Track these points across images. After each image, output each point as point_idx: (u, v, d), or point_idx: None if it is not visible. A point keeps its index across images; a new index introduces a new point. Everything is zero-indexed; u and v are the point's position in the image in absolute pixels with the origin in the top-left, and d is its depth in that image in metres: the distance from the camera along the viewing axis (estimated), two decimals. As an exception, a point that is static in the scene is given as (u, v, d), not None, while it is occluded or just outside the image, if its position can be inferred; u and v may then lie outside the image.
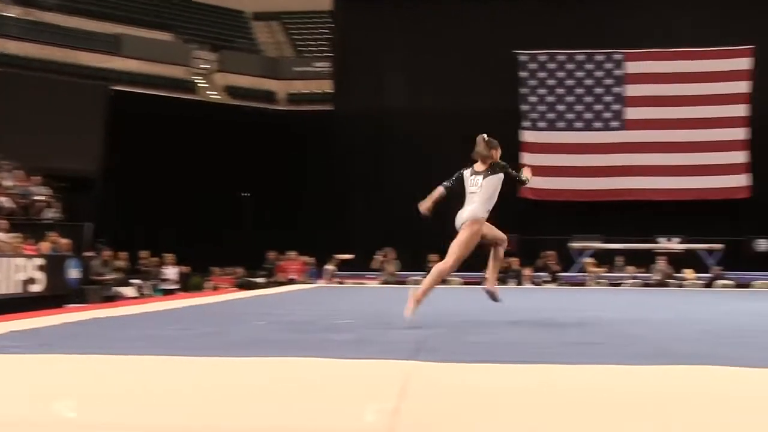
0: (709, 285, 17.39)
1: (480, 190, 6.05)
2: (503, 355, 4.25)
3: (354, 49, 24.48)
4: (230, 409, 2.71)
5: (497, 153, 6.20)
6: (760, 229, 22.08)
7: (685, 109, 22.92)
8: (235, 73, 25.44)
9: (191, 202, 22.28)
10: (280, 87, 25.92)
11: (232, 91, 25.14)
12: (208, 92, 25.00)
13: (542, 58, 23.92)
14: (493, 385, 3.24)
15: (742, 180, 22.65)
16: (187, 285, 16.90)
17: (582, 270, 19.43)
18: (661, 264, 18.23)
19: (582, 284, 17.54)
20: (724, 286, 17.09)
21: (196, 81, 24.94)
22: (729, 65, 22.86)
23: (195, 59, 25.09)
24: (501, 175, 6.12)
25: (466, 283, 17.24)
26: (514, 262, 18.13)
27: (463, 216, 6.02)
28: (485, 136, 6.20)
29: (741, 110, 22.70)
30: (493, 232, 6.23)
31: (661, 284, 17.28)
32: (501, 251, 6.36)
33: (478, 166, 6.16)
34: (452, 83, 23.62)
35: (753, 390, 3.22)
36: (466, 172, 6.13)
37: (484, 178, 6.07)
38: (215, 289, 16.16)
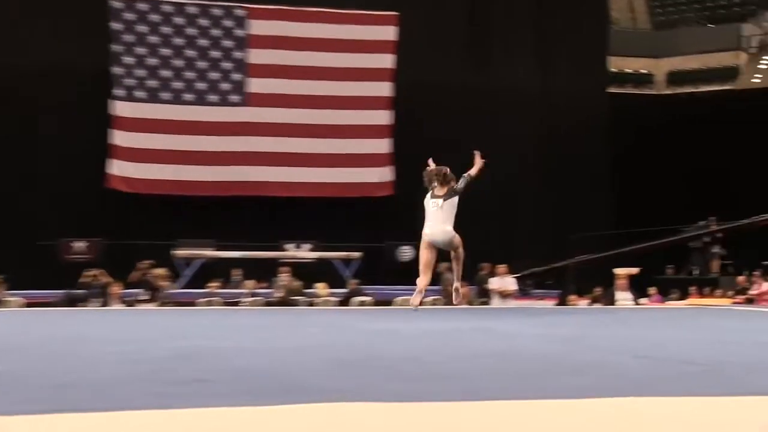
0: (345, 302, 18.40)
1: (442, 210, 9.79)
2: (72, 401, 4.00)
3: None
4: None
5: (454, 182, 9.91)
6: (403, 234, 24.09)
7: (321, 84, 24.17)
8: None
9: None
10: None
11: None
12: None
13: (142, 6, 23.58)
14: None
15: (384, 174, 24.46)
16: None
17: (192, 284, 19.47)
18: (284, 277, 18.89)
19: (192, 303, 17.54)
20: (362, 303, 18.21)
21: None
22: (372, 33, 24.60)
23: None
24: (457, 198, 9.78)
25: (29, 304, 16.27)
26: (100, 274, 17.56)
27: (438, 234, 9.91)
28: (447, 170, 9.96)
29: (385, 89, 24.51)
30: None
31: (284, 302, 17.91)
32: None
33: (438, 191, 9.88)
34: (10, 36, 22.45)
35: (389, 427, 3.41)
36: (427, 197, 9.85)
37: (444, 200, 9.78)
38: None
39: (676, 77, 30.31)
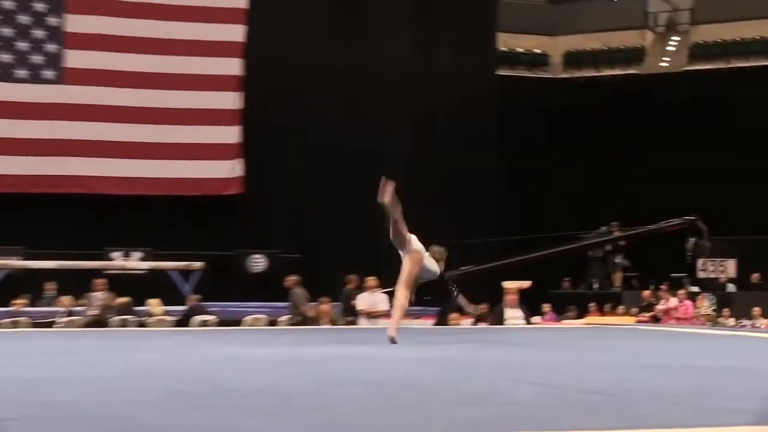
0: (184, 322, 18.22)
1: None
2: None
3: None
4: None
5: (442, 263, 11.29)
6: (254, 239, 23.97)
7: (156, 59, 23.89)
8: None
9: None
10: None
11: None
12: None
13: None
14: None
15: (232, 168, 24.30)
16: None
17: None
18: (99, 292, 18.58)
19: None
20: (205, 323, 18.06)
21: None
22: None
23: None
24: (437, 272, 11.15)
25: None
26: None
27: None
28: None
29: (233, 66, 24.36)
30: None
31: (100, 322, 17.65)
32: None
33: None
34: None
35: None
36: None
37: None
38: None
39: (574, 58, 31.01)
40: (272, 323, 18.49)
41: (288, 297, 19.20)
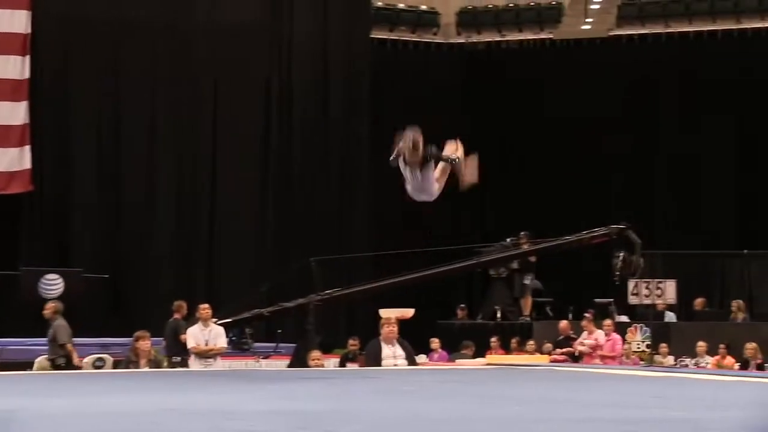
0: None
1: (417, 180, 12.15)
2: None
3: None
4: None
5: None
6: (48, 252, 23.56)
7: None
8: None
9: None
10: None
11: None
12: None
13: None
14: None
15: (18, 158, 23.94)
16: None
17: None
18: None
19: None
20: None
21: None
22: None
23: None
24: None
25: None
26: None
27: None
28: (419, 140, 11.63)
29: (18, 21, 23.97)
30: None
31: None
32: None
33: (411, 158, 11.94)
34: None
35: None
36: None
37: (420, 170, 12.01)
38: None
39: (470, 18, 31.07)
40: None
41: (47, 332, 18.63)
